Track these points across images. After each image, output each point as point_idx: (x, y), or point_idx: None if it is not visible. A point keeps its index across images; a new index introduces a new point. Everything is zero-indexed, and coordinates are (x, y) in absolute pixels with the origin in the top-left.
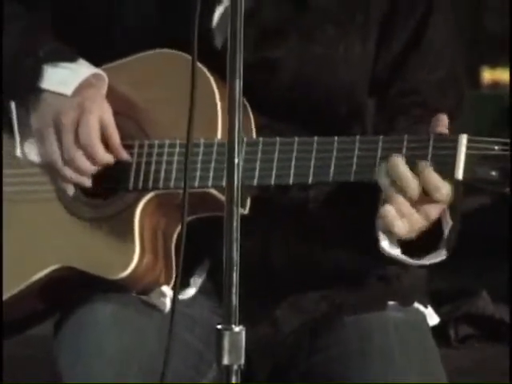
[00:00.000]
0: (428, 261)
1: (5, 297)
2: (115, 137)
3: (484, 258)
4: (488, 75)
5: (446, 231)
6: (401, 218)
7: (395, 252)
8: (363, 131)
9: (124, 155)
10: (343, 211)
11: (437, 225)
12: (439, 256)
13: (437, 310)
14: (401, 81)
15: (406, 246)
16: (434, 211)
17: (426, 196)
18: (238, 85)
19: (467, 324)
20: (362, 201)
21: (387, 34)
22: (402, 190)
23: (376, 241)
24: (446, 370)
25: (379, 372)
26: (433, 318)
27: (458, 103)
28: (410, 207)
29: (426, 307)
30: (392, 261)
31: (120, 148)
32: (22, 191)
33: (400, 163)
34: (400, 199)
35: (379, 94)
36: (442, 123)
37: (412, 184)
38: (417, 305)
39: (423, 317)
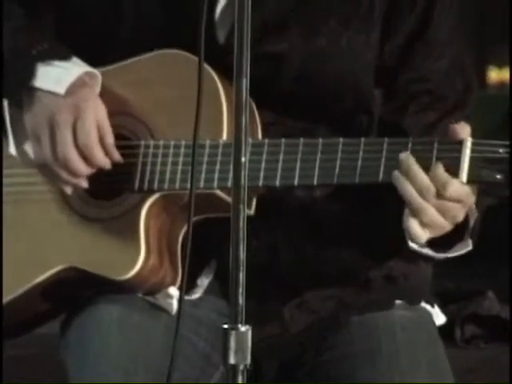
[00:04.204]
0: (455, 253)
1: (10, 298)
2: (109, 137)
3: (491, 258)
4: (494, 75)
5: (472, 221)
6: (424, 228)
7: (425, 251)
8: (370, 122)
9: (116, 156)
10: (350, 210)
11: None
12: (466, 247)
13: (443, 310)
14: (408, 70)
15: (433, 240)
16: (460, 214)
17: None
18: (245, 84)
19: (473, 324)
20: (369, 200)
21: (392, 25)
22: (418, 190)
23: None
24: (453, 370)
25: (386, 371)
26: (439, 318)
27: (464, 91)
28: (434, 215)
29: (432, 306)
30: (399, 256)
31: (113, 148)
32: (25, 191)
33: (412, 162)
34: (425, 211)
35: (387, 84)
36: (458, 132)
37: (424, 181)
38: (423, 304)
39: (430, 316)
